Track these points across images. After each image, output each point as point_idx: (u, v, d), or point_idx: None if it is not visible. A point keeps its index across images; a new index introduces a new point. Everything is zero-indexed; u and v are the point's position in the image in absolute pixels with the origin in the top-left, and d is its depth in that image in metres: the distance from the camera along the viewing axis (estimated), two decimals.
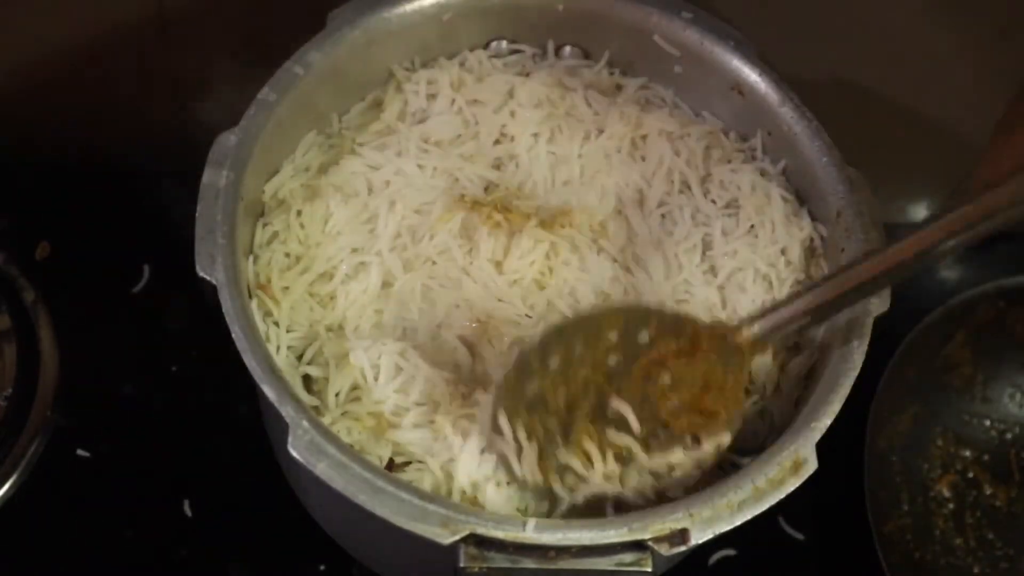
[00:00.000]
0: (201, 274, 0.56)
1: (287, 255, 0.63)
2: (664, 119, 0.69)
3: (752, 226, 0.66)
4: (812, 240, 0.66)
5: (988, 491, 0.82)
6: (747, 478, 0.54)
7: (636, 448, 0.55)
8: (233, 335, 0.55)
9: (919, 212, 0.92)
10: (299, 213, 0.64)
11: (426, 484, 0.57)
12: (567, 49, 0.72)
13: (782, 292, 0.64)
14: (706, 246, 0.66)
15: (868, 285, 0.55)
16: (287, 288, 0.62)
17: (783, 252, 0.66)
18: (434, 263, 0.63)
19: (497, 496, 0.56)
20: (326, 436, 0.53)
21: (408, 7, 0.67)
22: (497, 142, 0.68)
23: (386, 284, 0.62)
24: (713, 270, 0.65)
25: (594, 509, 0.56)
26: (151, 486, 0.75)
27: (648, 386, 0.55)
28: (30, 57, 0.79)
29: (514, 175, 0.67)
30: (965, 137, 0.85)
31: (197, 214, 0.58)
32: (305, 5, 0.66)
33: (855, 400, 0.58)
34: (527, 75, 0.70)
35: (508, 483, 0.56)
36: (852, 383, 0.58)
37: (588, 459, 0.55)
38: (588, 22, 0.70)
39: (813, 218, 0.67)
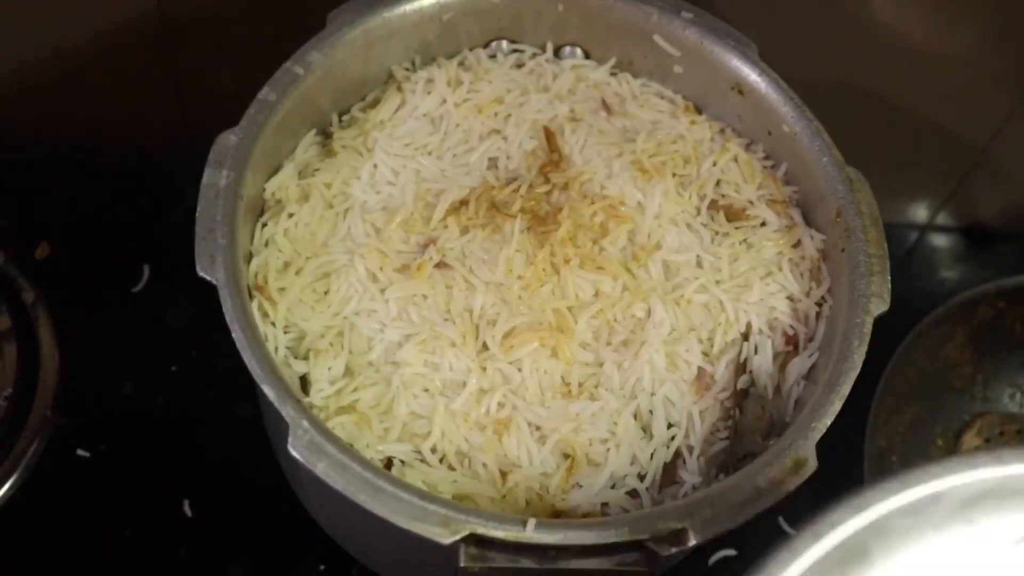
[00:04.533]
0: (201, 274, 0.56)
1: (282, 256, 0.63)
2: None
3: (753, 226, 0.67)
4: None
5: None
6: (747, 478, 0.54)
7: None
8: (233, 335, 0.55)
9: (919, 212, 0.92)
10: (291, 215, 0.64)
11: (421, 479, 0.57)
12: (567, 49, 0.72)
13: (783, 292, 0.64)
14: (706, 247, 0.66)
15: None
16: (283, 289, 0.62)
17: (781, 253, 0.66)
18: (427, 262, 0.63)
19: None
20: (326, 436, 0.53)
21: (408, 7, 0.67)
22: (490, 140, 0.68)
23: (378, 284, 0.62)
24: (714, 270, 0.65)
25: None
26: (151, 486, 0.75)
27: None
28: (30, 57, 0.79)
29: (506, 174, 0.67)
30: (965, 137, 0.85)
31: (197, 214, 0.58)
32: (305, 5, 0.66)
33: (855, 400, 0.58)
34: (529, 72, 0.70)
35: None
36: (852, 383, 0.58)
37: None
38: (588, 22, 0.70)
39: (810, 221, 0.67)
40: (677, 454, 0.60)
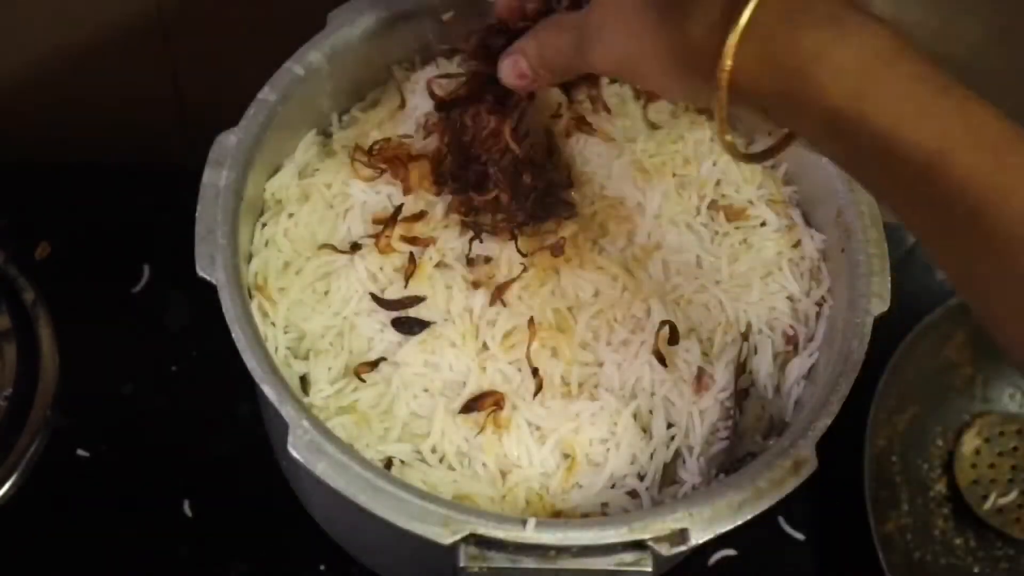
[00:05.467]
0: (201, 274, 0.56)
1: (282, 256, 0.63)
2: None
3: (753, 226, 0.67)
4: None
5: None
6: (747, 478, 0.54)
7: None
8: (233, 335, 0.55)
9: None
10: (291, 215, 0.64)
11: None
12: None
13: (783, 292, 0.64)
14: (706, 247, 0.66)
15: None
16: (283, 289, 0.62)
17: (781, 253, 0.66)
18: (427, 262, 0.63)
19: None
20: (326, 436, 0.53)
21: (408, 7, 0.67)
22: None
23: (378, 284, 0.62)
24: (713, 270, 0.65)
25: None
26: (151, 486, 0.75)
27: None
28: (30, 57, 0.79)
29: None
30: None
31: (197, 214, 0.58)
32: (305, 5, 0.66)
33: (855, 400, 0.58)
34: None
35: None
36: (852, 383, 0.58)
37: None
38: None
39: (810, 221, 0.67)
40: (677, 454, 0.60)
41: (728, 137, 0.46)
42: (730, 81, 0.43)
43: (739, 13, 0.42)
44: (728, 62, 0.43)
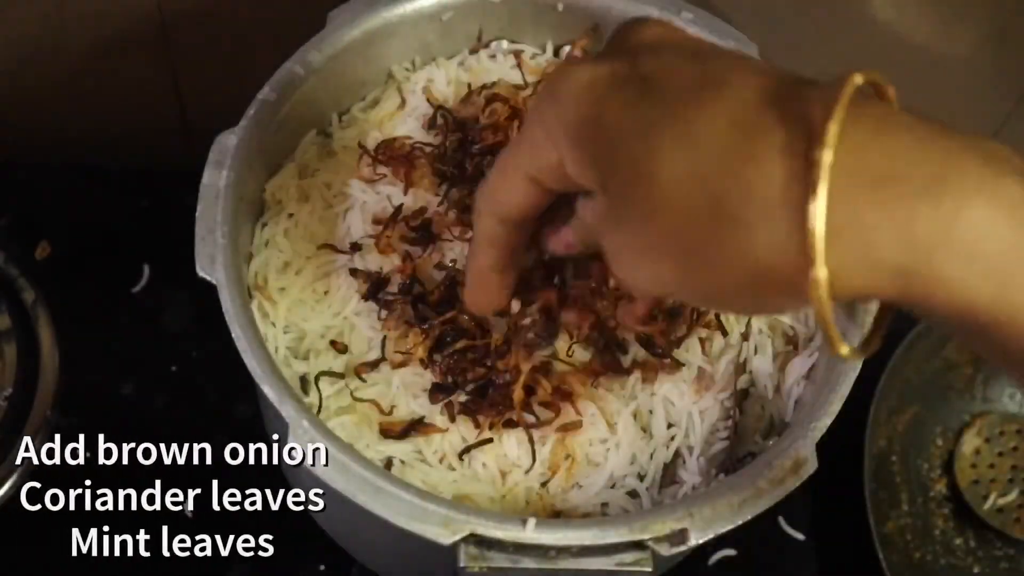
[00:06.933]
0: (201, 274, 0.56)
1: (282, 256, 0.63)
2: None
3: None
4: None
5: None
6: (747, 478, 0.54)
7: None
8: (233, 335, 0.55)
9: None
10: (291, 215, 0.64)
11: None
12: (567, 49, 0.72)
13: None
14: None
15: None
16: (283, 289, 0.62)
17: None
18: (427, 260, 0.63)
19: None
20: (326, 436, 0.53)
21: (408, 7, 0.67)
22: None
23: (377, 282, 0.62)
24: None
25: None
26: (151, 486, 0.75)
27: None
28: (30, 57, 0.79)
29: None
30: None
31: (197, 214, 0.58)
32: (305, 5, 0.66)
33: (855, 400, 0.58)
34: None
35: None
36: (852, 383, 0.58)
37: None
38: (588, 22, 0.70)
39: None
40: (677, 454, 0.60)
41: (844, 349, 0.38)
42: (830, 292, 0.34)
43: (809, 203, 0.33)
44: (822, 272, 0.34)
